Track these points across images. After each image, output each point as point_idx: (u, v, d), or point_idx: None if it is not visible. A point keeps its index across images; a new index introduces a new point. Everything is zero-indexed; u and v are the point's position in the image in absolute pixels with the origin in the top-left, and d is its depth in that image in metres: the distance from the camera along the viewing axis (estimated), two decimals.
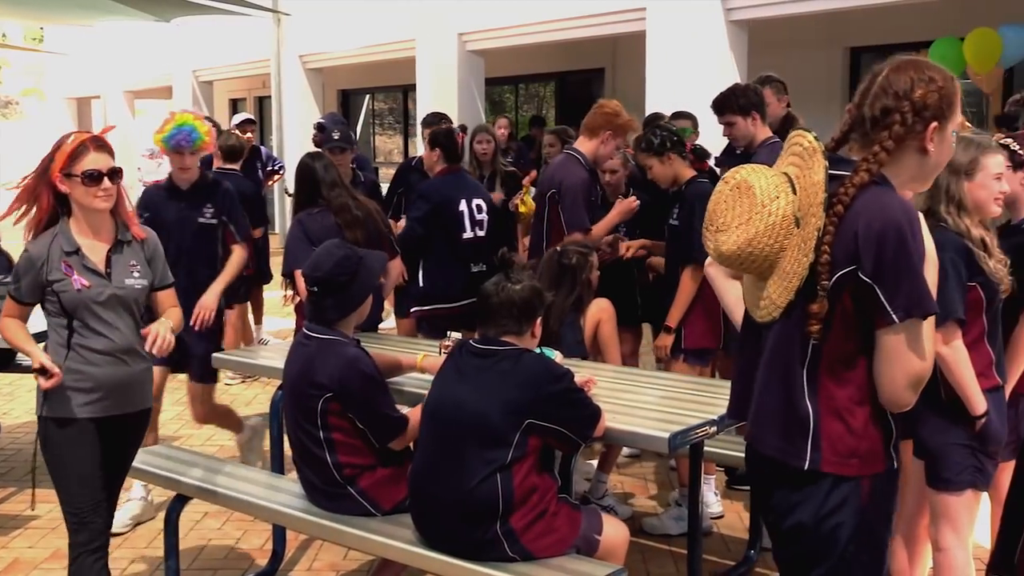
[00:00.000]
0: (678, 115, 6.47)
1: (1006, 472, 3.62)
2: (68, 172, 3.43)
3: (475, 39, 13.13)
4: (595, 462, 5.37)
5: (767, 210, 2.38)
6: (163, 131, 5.15)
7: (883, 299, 2.27)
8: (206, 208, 5.31)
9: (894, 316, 2.26)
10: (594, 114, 5.56)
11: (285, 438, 4.17)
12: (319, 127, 6.74)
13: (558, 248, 4.85)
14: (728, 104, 5.30)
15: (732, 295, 2.79)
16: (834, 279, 2.31)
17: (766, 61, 10.21)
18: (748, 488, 4.83)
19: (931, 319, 2.30)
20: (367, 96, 19.58)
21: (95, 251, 3.52)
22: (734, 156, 5.82)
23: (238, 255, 5.37)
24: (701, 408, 3.77)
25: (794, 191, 2.39)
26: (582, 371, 3.96)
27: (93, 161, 3.43)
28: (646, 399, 4.03)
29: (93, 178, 3.43)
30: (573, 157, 5.53)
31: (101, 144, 3.50)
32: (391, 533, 3.59)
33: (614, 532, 3.62)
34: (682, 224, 4.92)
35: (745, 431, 2.61)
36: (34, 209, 3.53)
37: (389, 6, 14.04)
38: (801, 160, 2.42)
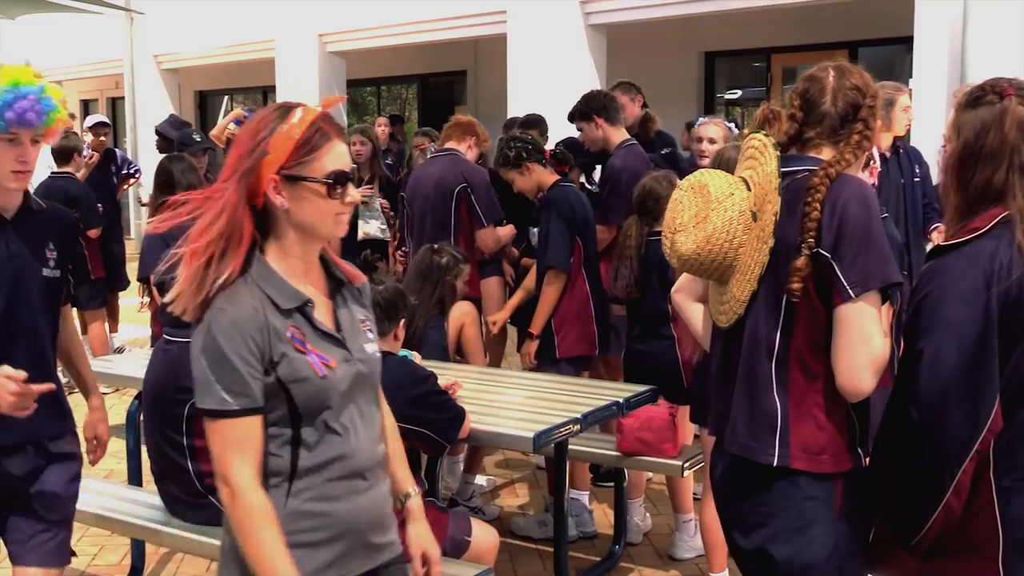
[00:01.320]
0: (527, 123, 6.51)
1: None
2: (294, 174, 2.09)
3: (336, 40, 13.00)
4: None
5: (723, 205, 2.38)
6: None
7: (839, 273, 2.25)
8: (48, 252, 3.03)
9: (851, 291, 2.23)
10: (462, 121, 5.68)
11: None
12: (161, 134, 6.55)
13: (434, 246, 4.86)
14: (574, 111, 5.50)
15: (701, 321, 2.69)
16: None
17: (624, 64, 10.43)
18: (612, 485, 4.90)
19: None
20: (225, 98, 19.15)
21: (319, 303, 2.20)
22: (585, 156, 5.94)
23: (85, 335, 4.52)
24: (565, 407, 3.82)
25: (748, 188, 2.41)
26: (447, 374, 3.96)
27: (338, 156, 2.14)
28: (511, 400, 4.06)
29: (341, 183, 2.13)
30: (461, 156, 5.56)
31: (340, 128, 2.21)
32: None
33: (483, 534, 3.64)
34: (541, 230, 4.98)
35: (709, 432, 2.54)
36: (221, 243, 2.07)
37: (247, 6, 13.78)
38: (754, 160, 2.44)
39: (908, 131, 5.84)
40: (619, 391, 4.09)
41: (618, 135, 5.44)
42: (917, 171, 5.57)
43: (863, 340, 2.24)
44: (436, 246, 4.84)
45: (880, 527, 2.27)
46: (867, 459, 2.35)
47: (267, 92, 16.86)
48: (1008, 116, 2.16)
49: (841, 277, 2.24)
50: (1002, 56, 7.43)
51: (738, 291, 2.38)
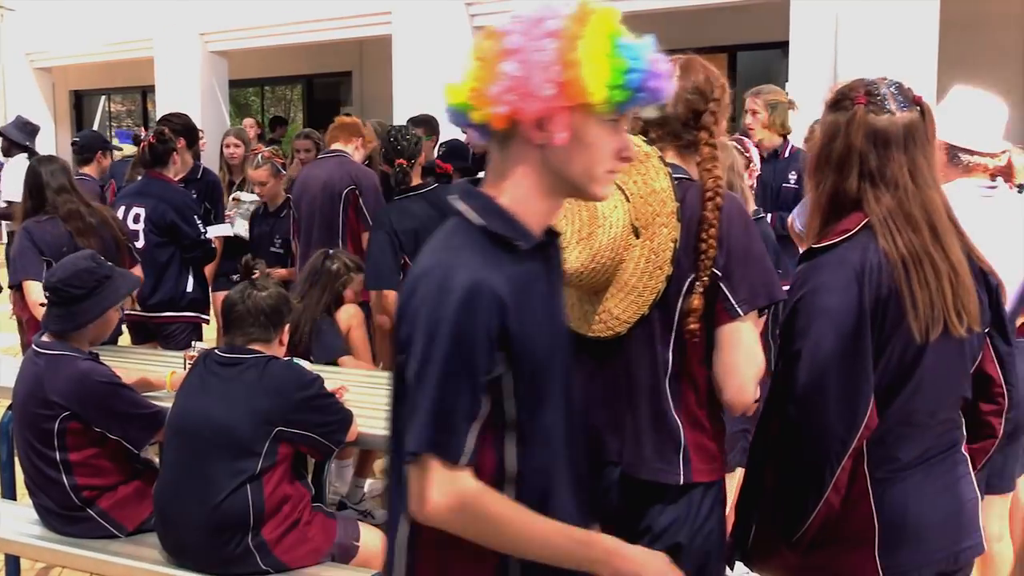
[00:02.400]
0: (415, 122, 6.48)
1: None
2: None
3: (217, 39, 12.77)
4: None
5: (608, 222, 2.26)
6: None
7: (727, 291, 2.24)
8: None
9: (739, 308, 2.23)
10: (346, 122, 5.62)
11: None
12: (4, 135, 6.34)
13: (329, 251, 4.80)
14: None
15: None
16: (689, 281, 2.26)
17: None
18: None
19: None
20: (103, 98, 18.64)
21: None
22: (467, 159, 5.97)
23: None
24: None
25: (626, 198, 2.30)
26: (335, 378, 3.92)
27: None
28: None
29: None
30: (348, 158, 5.51)
31: None
32: (136, 554, 3.44)
33: (372, 538, 3.60)
34: (367, 251, 4.99)
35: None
36: None
37: (124, 3, 13.43)
38: (634, 170, 2.32)
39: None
40: None
41: None
42: (792, 177, 5.70)
43: (750, 357, 2.26)
44: (331, 252, 4.79)
45: (761, 526, 2.30)
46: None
47: (146, 92, 16.47)
48: (854, 124, 2.19)
49: (729, 296, 2.23)
50: (873, 59, 7.70)
51: (619, 310, 2.30)
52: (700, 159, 2.34)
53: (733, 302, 2.23)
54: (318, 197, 5.47)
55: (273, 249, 5.91)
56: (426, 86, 10.04)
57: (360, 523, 3.69)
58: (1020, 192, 3.95)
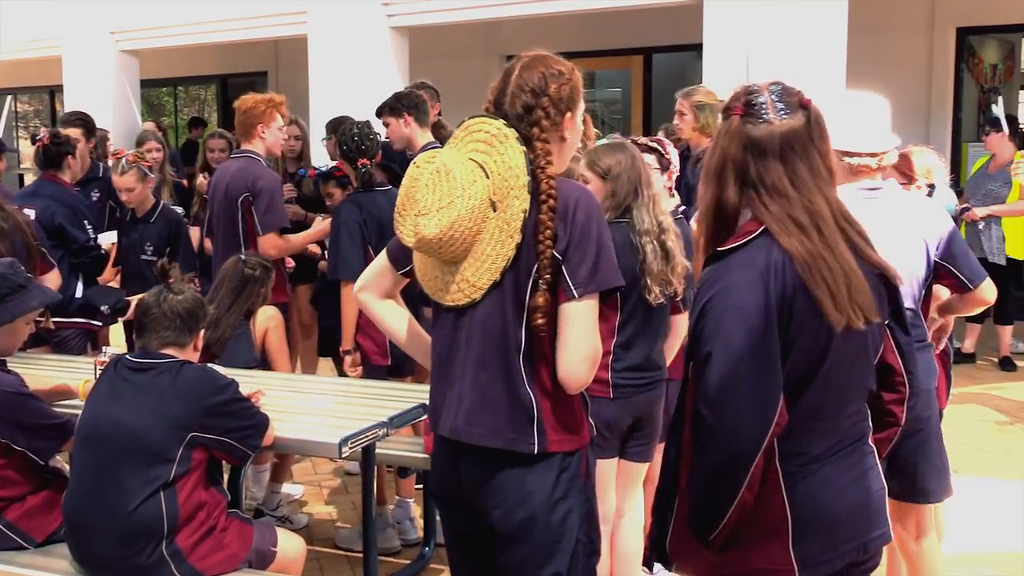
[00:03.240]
0: (338, 123, 6.41)
1: (659, 453, 3.93)
2: None
3: (128, 38, 12.49)
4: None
5: (467, 193, 2.39)
6: None
7: (566, 274, 2.38)
8: None
9: (575, 291, 2.38)
10: (239, 119, 5.49)
11: None
12: None
13: (242, 257, 4.71)
14: (385, 105, 5.44)
15: (391, 319, 2.75)
16: (533, 278, 2.40)
17: (427, 66, 10.43)
18: (422, 487, 4.90)
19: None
20: (8, 97, 18.13)
21: None
22: (391, 159, 5.92)
23: None
24: (372, 411, 3.80)
25: (486, 175, 2.42)
26: (249, 382, 3.87)
27: None
28: (316, 405, 4.01)
29: None
30: (253, 159, 5.41)
31: None
32: (46, 565, 3.36)
33: (290, 544, 3.58)
34: (331, 241, 4.92)
35: (448, 428, 2.53)
36: None
37: (32, 0, 13.08)
38: (488, 146, 2.45)
39: None
40: (426, 393, 4.08)
41: (424, 137, 5.45)
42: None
43: (585, 336, 2.40)
44: (244, 257, 4.72)
45: (676, 527, 2.33)
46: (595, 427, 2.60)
47: (54, 92, 16.09)
48: (729, 136, 2.24)
49: (568, 278, 2.38)
50: (785, 61, 7.83)
51: (475, 277, 2.44)
52: (533, 156, 2.43)
53: (571, 284, 2.38)
54: (222, 202, 5.41)
55: (144, 257, 5.69)
56: (343, 86, 9.96)
57: (278, 528, 3.65)
58: (931, 192, 4.03)
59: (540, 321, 2.38)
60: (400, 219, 2.48)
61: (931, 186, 4.01)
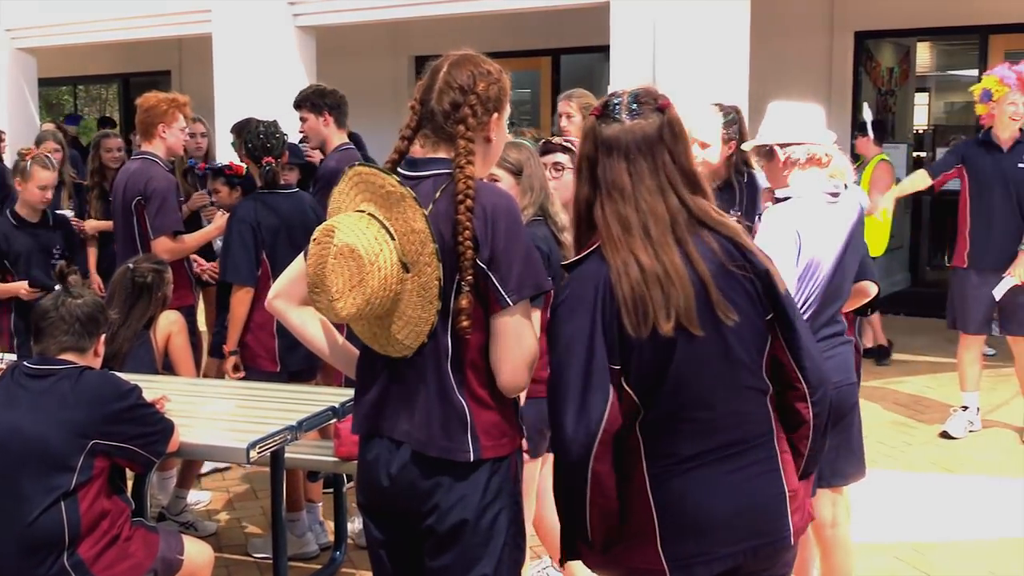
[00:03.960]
0: (236, 128, 6.34)
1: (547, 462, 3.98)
2: None
3: (24, 36, 12.14)
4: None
5: (375, 266, 2.35)
6: None
7: (496, 283, 2.37)
8: None
9: (508, 299, 2.37)
10: (139, 118, 5.39)
11: None
12: None
13: (130, 265, 4.59)
14: (305, 100, 5.40)
15: (310, 328, 2.69)
16: (457, 281, 2.38)
17: (334, 67, 10.38)
18: (331, 491, 4.85)
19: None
20: None
21: None
22: (303, 158, 5.88)
23: None
24: (280, 415, 3.75)
25: (391, 236, 2.38)
26: (153, 387, 3.80)
27: None
28: (222, 410, 3.95)
29: None
30: (151, 161, 5.31)
31: None
32: None
33: (196, 551, 3.52)
34: (223, 241, 4.85)
35: (379, 434, 2.52)
36: None
37: None
38: (385, 203, 2.40)
39: None
40: (334, 396, 4.06)
41: (339, 137, 5.43)
42: None
43: (521, 343, 2.42)
44: (132, 264, 4.56)
45: (564, 527, 2.36)
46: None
47: None
48: (583, 136, 2.31)
49: (499, 286, 2.38)
50: (689, 63, 7.95)
51: (405, 337, 2.44)
52: (455, 155, 2.43)
53: (503, 292, 2.38)
54: (119, 206, 5.32)
55: (53, 261, 5.57)
56: (248, 86, 9.82)
57: (184, 536, 3.59)
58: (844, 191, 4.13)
59: (465, 323, 2.37)
60: (316, 299, 2.45)
61: (844, 186, 4.11)
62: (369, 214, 2.41)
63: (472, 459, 2.43)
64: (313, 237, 2.45)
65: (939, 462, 5.88)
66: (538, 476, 3.73)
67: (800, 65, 9.62)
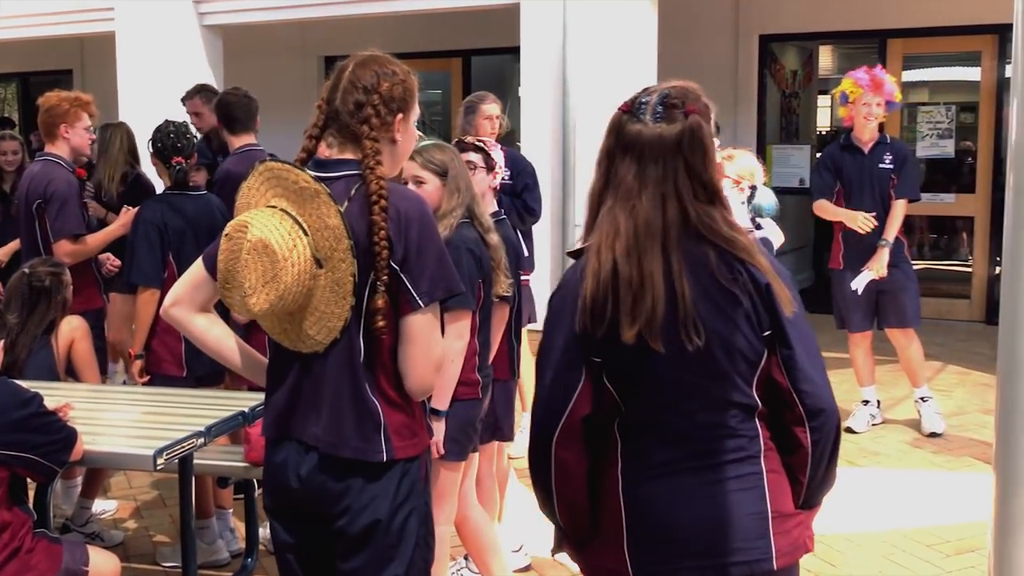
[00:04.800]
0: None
1: (486, 453, 4.00)
2: None
3: None
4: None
5: (289, 262, 2.35)
6: None
7: (408, 285, 2.38)
8: None
9: (419, 301, 2.38)
10: (41, 118, 5.26)
11: None
12: None
13: (26, 270, 4.46)
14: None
15: (212, 336, 2.65)
16: (371, 281, 2.38)
17: (242, 66, 10.26)
18: (242, 497, 4.79)
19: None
20: None
21: None
22: (209, 158, 5.81)
23: None
24: (188, 421, 3.69)
25: (305, 232, 2.37)
26: (55, 394, 3.71)
27: None
28: (128, 416, 3.88)
29: None
30: (53, 163, 5.19)
31: None
32: None
33: (103, 561, 3.45)
34: (128, 241, 4.75)
35: (290, 435, 2.51)
36: None
37: None
38: (299, 199, 2.39)
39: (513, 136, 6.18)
40: (244, 400, 4.01)
41: (239, 140, 5.37)
42: (506, 174, 5.89)
43: (430, 347, 2.44)
44: (28, 269, 4.43)
45: (545, 516, 2.33)
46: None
47: None
48: (610, 128, 2.20)
49: (410, 288, 2.40)
50: (599, 64, 8.04)
51: (315, 332, 2.43)
52: (363, 156, 2.43)
53: (414, 294, 2.39)
54: (23, 209, 5.20)
55: None
56: (153, 86, 9.65)
57: (89, 546, 3.51)
58: (753, 192, 4.19)
59: (380, 323, 2.38)
60: (227, 295, 2.42)
61: (753, 187, 4.18)
62: (282, 210, 2.40)
63: (385, 459, 2.44)
64: (225, 232, 2.43)
65: (843, 456, 6.00)
66: (461, 477, 3.72)
67: (707, 67, 9.77)
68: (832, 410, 2.19)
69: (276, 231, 2.36)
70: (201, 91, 6.26)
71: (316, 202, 2.38)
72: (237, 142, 5.35)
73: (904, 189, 6.24)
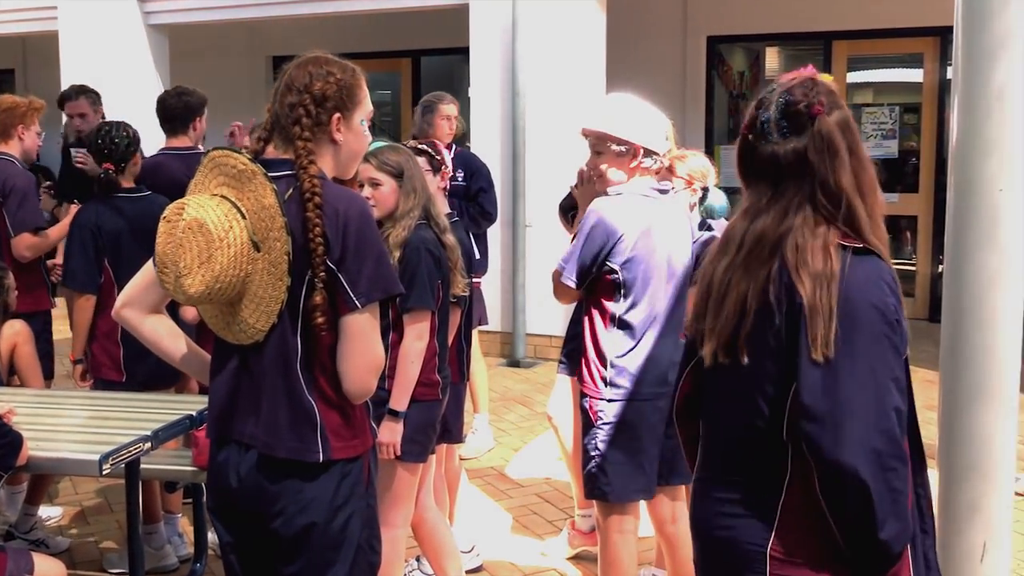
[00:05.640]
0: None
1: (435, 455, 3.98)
2: None
3: None
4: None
5: (225, 242, 2.34)
6: None
7: (346, 285, 2.37)
8: None
9: (357, 301, 2.37)
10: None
11: None
12: None
13: None
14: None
15: (162, 338, 2.66)
16: (308, 278, 2.38)
17: (189, 66, 10.16)
18: (190, 501, 4.74)
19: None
20: None
21: None
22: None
23: None
24: (134, 425, 3.65)
25: (242, 215, 2.38)
26: None
27: None
28: (73, 421, 3.82)
29: None
30: (7, 161, 5.15)
31: None
32: None
33: (48, 568, 3.40)
34: (65, 246, 4.69)
35: (229, 436, 2.52)
36: None
37: None
38: (237, 183, 2.41)
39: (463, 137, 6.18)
40: (191, 404, 3.97)
41: (175, 141, 5.39)
42: (460, 176, 5.90)
43: (369, 348, 2.43)
44: None
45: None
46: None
47: None
48: (738, 155, 2.10)
49: (348, 288, 2.39)
50: (548, 65, 8.05)
51: (254, 319, 2.42)
52: (295, 155, 2.44)
53: (352, 295, 2.38)
54: None
55: None
56: (97, 86, 9.49)
57: (34, 553, 3.46)
58: (705, 194, 4.22)
59: (319, 320, 2.37)
60: (163, 277, 2.41)
61: (704, 188, 4.21)
62: (222, 196, 2.41)
63: (321, 459, 2.43)
64: (163, 215, 2.43)
65: None
66: (417, 479, 3.71)
67: (655, 68, 9.83)
68: (849, 470, 1.85)
69: (213, 212, 2.36)
70: (84, 92, 6.25)
71: (253, 183, 2.39)
72: (172, 143, 5.36)
73: None
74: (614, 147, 3.53)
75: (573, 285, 3.50)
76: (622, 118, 3.55)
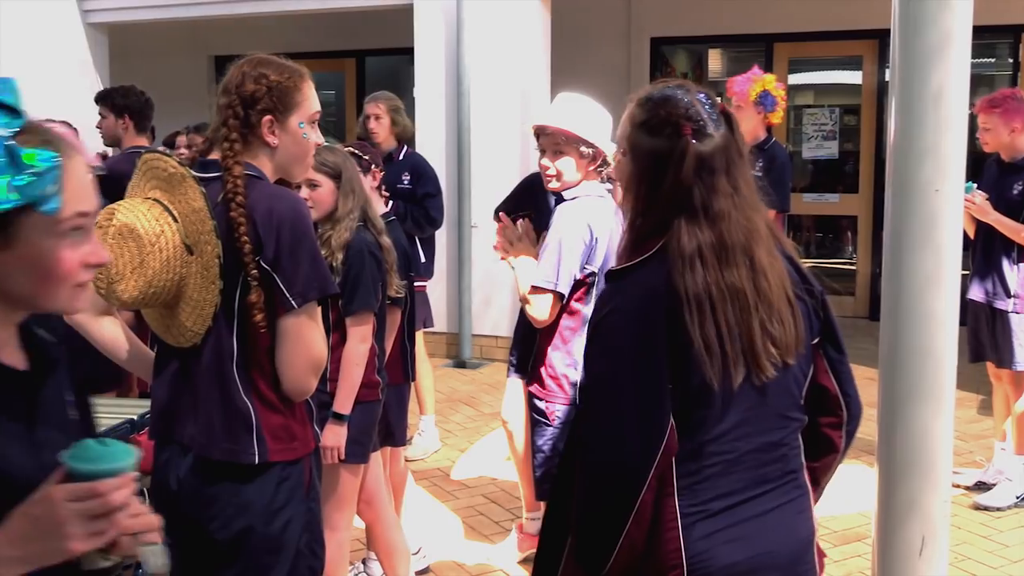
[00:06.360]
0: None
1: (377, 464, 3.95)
2: None
3: None
4: None
5: (156, 247, 2.33)
6: None
7: (281, 285, 2.35)
8: None
9: (293, 302, 2.35)
10: None
11: None
12: None
13: None
14: (107, 98, 5.32)
15: (110, 340, 2.65)
16: (242, 277, 2.37)
17: (129, 65, 10.02)
18: None
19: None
20: None
21: None
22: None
23: None
24: None
25: (174, 218, 2.36)
26: None
27: None
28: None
29: None
30: None
31: None
32: None
33: None
34: None
35: (167, 438, 2.50)
36: None
37: None
38: (169, 186, 2.39)
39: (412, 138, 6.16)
40: (132, 408, 3.92)
41: (136, 140, 5.34)
42: (406, 179, 5.88)
43: (307, 348, 2.40)
44: None
45: (568, 561, 2.08)
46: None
47: None
48: (686, 161, 1.96)
49: (283, 288, 2.37)
50: (493, 66, 8.05)
51: (191, 323, 2.40)
52: (220, 156, 2.43)
53: (288, 295, 2.36)
54: None
55: None
56: (36, 87, 9.32)
57: None
58: None
59: (258, 317, 2.35)
60: (96, 283, 2.36)
61: None
62: (154, 199, 2.39)
63: (257, 461, 2.41)
64: (95, 222, 2.38)
65: None
66: (362, 480, 3.69)
67: (599, 69, 9.87)
68: (861, 408, 2.22)
69: (143, 216, 2.35)
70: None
71: (183, 186, 2.38)
72: (131, 140, 5.30)
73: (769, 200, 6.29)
74: (583, 148, 3.57)
75: (565, 292, 3.53)
76: (591, 121, 3.59)
